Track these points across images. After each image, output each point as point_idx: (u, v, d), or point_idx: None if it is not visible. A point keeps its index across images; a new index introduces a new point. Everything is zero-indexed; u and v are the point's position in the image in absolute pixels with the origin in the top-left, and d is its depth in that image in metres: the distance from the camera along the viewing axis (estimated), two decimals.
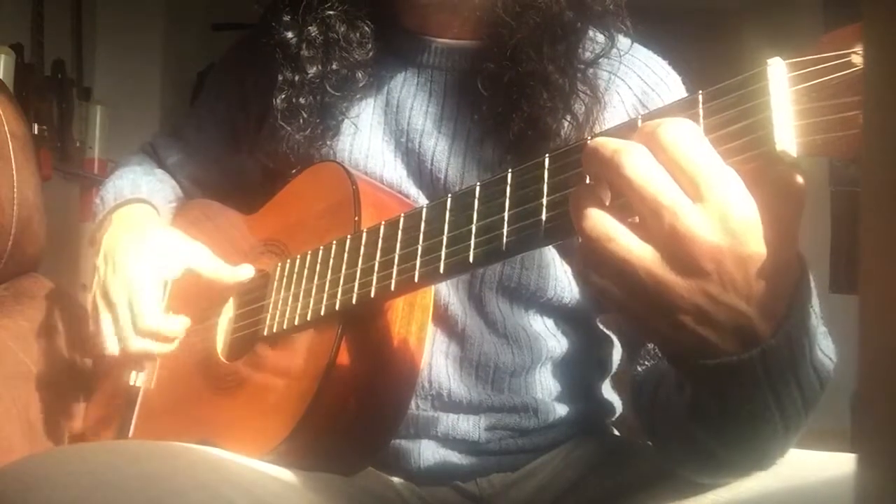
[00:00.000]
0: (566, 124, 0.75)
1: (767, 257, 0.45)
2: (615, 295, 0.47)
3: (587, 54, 0.77)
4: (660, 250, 0.45)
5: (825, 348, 0.54)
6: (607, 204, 0.47)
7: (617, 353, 0.89)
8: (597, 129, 0.77)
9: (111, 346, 0.81)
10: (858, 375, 0.27)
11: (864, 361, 0.27)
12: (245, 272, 0.81)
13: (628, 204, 0.46)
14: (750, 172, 0.45)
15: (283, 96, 0.80)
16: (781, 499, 0.57)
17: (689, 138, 0.45)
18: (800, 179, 0.45)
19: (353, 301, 0.66)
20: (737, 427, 0.53)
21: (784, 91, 0.44)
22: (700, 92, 0.47)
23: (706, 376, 0.49)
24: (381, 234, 0.66)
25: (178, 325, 0.80)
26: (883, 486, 0.26)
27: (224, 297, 0.84)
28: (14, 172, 0.99)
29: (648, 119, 0.48)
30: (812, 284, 0.50)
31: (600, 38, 0.78)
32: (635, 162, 0.45)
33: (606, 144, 0.46)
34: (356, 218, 0.71)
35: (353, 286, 0.67)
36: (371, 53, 0.80)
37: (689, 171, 0.44)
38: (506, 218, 0.55)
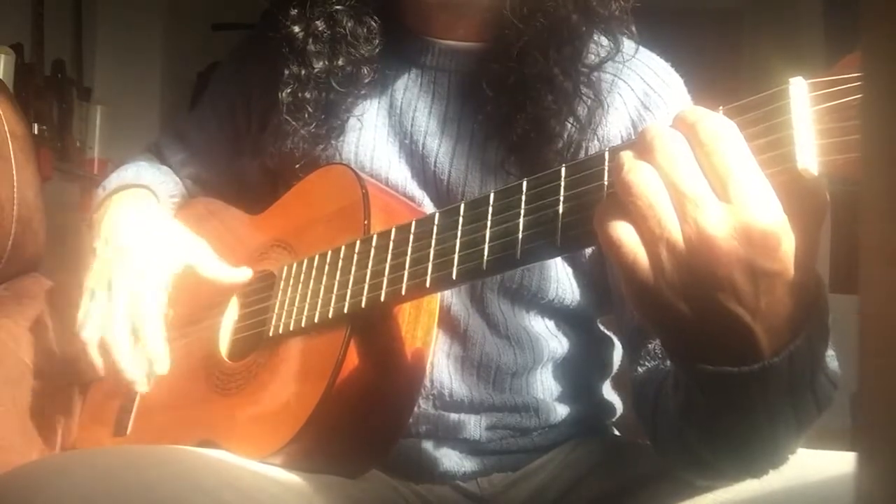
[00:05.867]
0: (569, 127, 0.75)
1: (781, 276, 0.44)
2: (631, 288, 0.46)
3: (591, 57, 0.77)
4: (683, 246, 0.44)
5: (830, 374, 0.53)
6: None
7: (618, 354, 0.89)
8: (600, 132, 0.77)
9: (90, 333, 0.78)
10: (858, 375, 0.27)
11: (864, 361, 0.27)
12: (243, 275, 0.81)
13: (652, 205, 0.45)
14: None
15: (289, 90, 0.80)
16: (782, 498, 0.57)
17: (729, 137, 0.44)
18: (819, 198, 0.45)
19: (363, 304, 0.66)
20: (726, 435, 0.53)
21: (806, 110, 0.44)
22: (721, 107, 0.47)
23: (703, 380, 0.49)
24: (392, 238, 0.66)
25: (162, 354, 0.78)
26: (883, 485, 0.26)
27: (225, 297, 0.84)
28: (14, 172, 0.99)
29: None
30: (828, 309, 0.49)
31: (604, 41, 0.78)
32: (671, 148, 0.45)
33: (650, 128, 0.46)
34: (366, 221, 0.71)
35: (363, 289, 0.66)
36: (378, 49, 0.80)
37: (720, 170, 0.44)
38: (521, 227, 0.55)
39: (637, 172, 0.45)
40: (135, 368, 0.77)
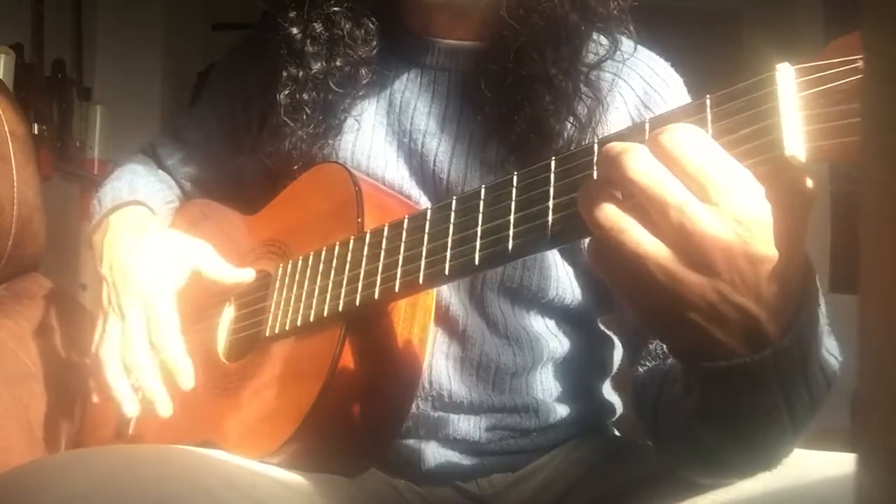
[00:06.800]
0: (569, 126, 0.75)
1: (778, 259, 0.45)
2: (627, 289, 0.47)
3: (591, 56, 0.77)
4: (671, 248, 0.45)
5: (830, 347, 0.55)
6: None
7: (618, 354, 0.89)
8: (600, 131, 0.77)
9: (108, 355, 0.77)
10: (858, 375, 0.27)
11: (864, 361, 0.27)
12: (246, 275, 0.81)
13: (639, 205, 0.45)
14: (759, 176, 0.45)
15: (287, 92, 0.80)
16: (781, 498, 0.57)
17: (692, 143, 0.44)
18: (809, 183, 0.45)
19: (357, 302, 0.66)
20: (747, 428, 0.53)
21: (792, 96, 0.44)
22: (708, 96, 0.47)
23: (718, 377, 0.49)
24: (384, 236, 0.66)
25: (188, 371, 0.76)
26: (883, 486, 0.26)
27: (224, 298, 0.84)
28: (14, 172, 0.99)
29: (656, 121, 0.48)
30: (818, 285, 0.50)
31: (603, 40, 0.78)
32: (639, 163, 0.45)
33: (612, 147, 0.46)
34: (359, 219, 0.71)
35: (357, 287, 0.67)
36: (375, 51, 0.80)
37: (694, 175, 0.44)
38: (512, 220, 0.55)
39: (605, 215, 0.46)
40: (157, 388, 0.76)
